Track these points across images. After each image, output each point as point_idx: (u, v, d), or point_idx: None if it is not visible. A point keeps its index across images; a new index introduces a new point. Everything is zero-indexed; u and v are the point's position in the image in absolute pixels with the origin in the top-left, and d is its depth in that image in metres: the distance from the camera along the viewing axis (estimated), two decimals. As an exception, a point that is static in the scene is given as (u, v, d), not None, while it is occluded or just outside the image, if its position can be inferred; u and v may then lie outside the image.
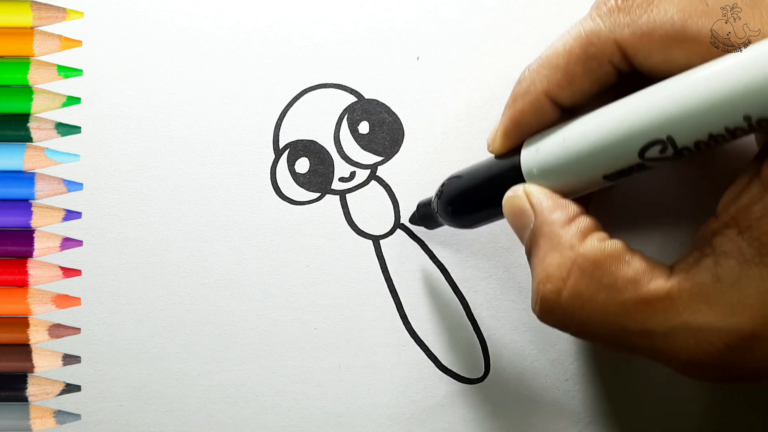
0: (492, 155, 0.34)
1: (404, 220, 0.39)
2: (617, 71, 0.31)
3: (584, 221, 0.30)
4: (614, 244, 0.29)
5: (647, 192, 0.38)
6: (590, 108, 0.31)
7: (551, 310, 0.30)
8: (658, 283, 0.28)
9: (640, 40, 0.30)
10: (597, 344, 0.37)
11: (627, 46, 0.30)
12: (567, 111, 0.32)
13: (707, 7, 0.29)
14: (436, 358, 0.39)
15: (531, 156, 0.32)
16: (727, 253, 0.28)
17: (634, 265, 0.29)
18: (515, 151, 0.33)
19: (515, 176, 0.32)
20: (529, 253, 0.31)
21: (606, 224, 0.31)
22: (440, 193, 0.35)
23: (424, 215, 0.38)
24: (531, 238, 0.31)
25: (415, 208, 0.39)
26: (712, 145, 0.27)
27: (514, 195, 0.32)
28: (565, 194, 0.31)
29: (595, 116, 0.30)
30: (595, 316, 0.29)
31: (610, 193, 0.37)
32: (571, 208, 0.30)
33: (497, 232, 0.39)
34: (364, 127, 0.40)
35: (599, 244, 0.29)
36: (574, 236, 0.30)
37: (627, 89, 0.30)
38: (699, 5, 0.29)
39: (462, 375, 0.39)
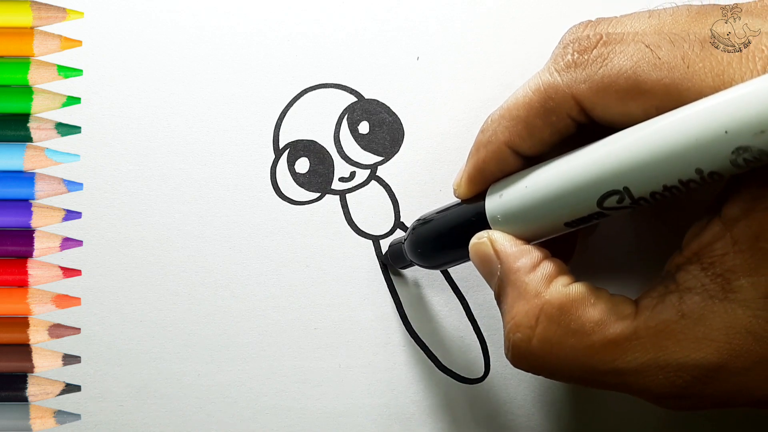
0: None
1: (404, 219, 0.39)
2: (576, 123, 0.31)
3: (548, 267, 0.31)
4: (578, 288, 0.30)
5: (616, 225, 0.39)
6: (552, 155, 0.31)
7: (523, 357, 0.31)
8: (625, 323, 0.29)
9: (597, 95, 0.30)
10: (571, 384, 0.38)
11: (584, 100, 0.30)
12: (529, 159, 0.33)
13: (659, 59, 0.29)
14: (436, 358, 0.39)
15: (495, 203, 0.32)
16: (691, 289, 0.28)
17: (599, 307, 0.30)
18: (480, 196, 0.33)
19: (480, 221, 0.33)
20: (498, 300, 0.32)
21: (576, 257, 0.32)
22: (409, 236, 0.36)
23: (395, 255, 0.38)
24: (498, 286, 0.32)
25: (387, 248, 0.39)
26: (668, 196, 0.28)
27: (479, 242, 0.32)
28: (529, 239, 0.32)
29: (555, 166, 0.31)
30: (566, 360, 0.30)
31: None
32: (535, 254, 0.31)
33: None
34: (364, 127, 0.40)
35: (564, 289, 0.30)
36: (539, 283, 0.30)
37: (588, 136, 0.30)
38: (652, 58, 0.29)
39: (462, 375, 0.39)
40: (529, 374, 0.39)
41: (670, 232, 0.33)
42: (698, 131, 0.26)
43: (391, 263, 0.39)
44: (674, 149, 0.27)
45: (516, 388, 0.39)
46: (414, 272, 0.39)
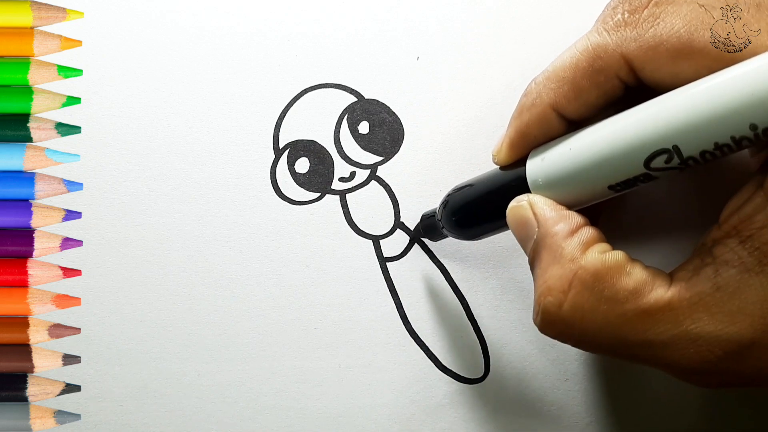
0: (497, 167, 0.34)
1: (404, 219, 0.39)
2: (624, 84, 0.31)
3: (586, 233, 0.30)
4: (615, 256, 0.30)
5: (652, 200, 0.38)
6: (597, 120, 0.31)
7: (552, 323, 0.30)
8: (659, 293, 0.29)
9: (647, 54, 0.30)
10: (597, 354, 0.38)
11: (634, 60, 0.30)
12: (573, 123, 0.32)
13: (713, 19, 0.29)
14: (436, 358, 0.39)
15: (536, 166, 0.32)
16: (727, 262, 0.28)
17: (634, 276, 0.29)
18: (520, 162, 0.33)
19: (520, 187, 0.32)
20: (532, 264, 0.31)
21: (612, 231, 0.31)
22: (445, 204, 0.35)
23: (428, 227, 0.38)
24: (534, 249, 0.31)
25: (419, 219, 0.39)
26: (718, 155, 0.27)
27: (518, 205, 0.32)
28: (569, 205, 0.31)
29: (601, 126, 0.30)
30: (596, 328, 0.29)
31: (619, 203, 0.37)
32: (575, 219, 0.31)
33: (497, 232, 0.39)
34: (364, 127, 0.40)
35: (600, 256, 0.30)
36: (575, 248, 0.30)
37: (634, 102, 0.30)
38: (705, 18, 0.29)
39: (462, 375, 0.39)
40: (529, 374, 0.39)
41: (708, 206, 0.32)
42: (755, 87, 0.26)
43: (424, 235, 0.38)
44: (729, 104, 0.26)
45: (516, 388, 0.39)
46: (415, 270, 0.39)
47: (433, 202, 0.39)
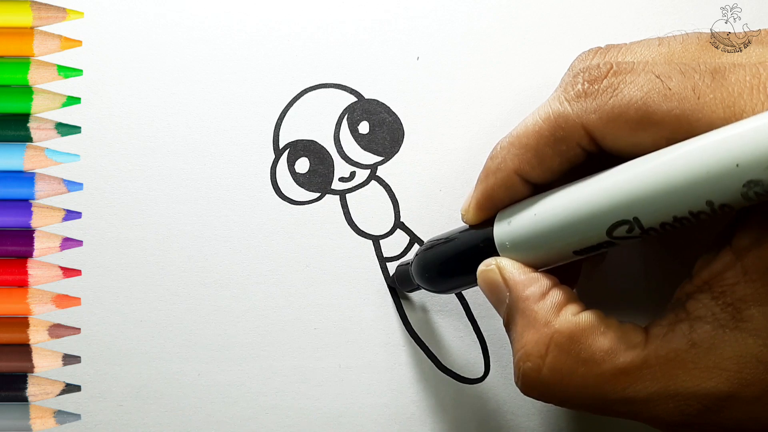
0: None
1: (404, 219, 0.39)
2: (586, 152, 0.31)
3: (557, 295, 0.31)
4: (588, 317, 0.30)
5: (628, 253, 0.39)
6: (561, 183, 0.31)
7: (533, 386, 0.31)
8: (635, 352, 0.29)
9: (607, 125, 0.30)
10: (581, 412, 0.38)
11: (594, 130, 0.30)
12: (538, 186, 0.33)
13: (670, 90, 0.29)
14: (436, 358, 0.39)
15: (503, 230, 0.32)
16: (701, 318, 0.28)
17: (609, 336, 0.30)
18: (488, 221, 0.33)
19: (488, 247, 0.33)
20: (507, 327, 0.32)
21: (588, 282, 0.32)
22: (416, 261, 0.36)
23: (402, 278, 0.38)
24: (508, 314, 0.32)
25: (394, 270, 0.39)
26: (678, 226, 0.28)
27: (488, 269, 0.32)
28: (538, 266, 0.32)
29: (564, 194, 0.31)
30: (576, 389, 0.30)
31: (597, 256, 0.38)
32: (544, 282, 0.31)
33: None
34: (364, 127, 0.40)
35: (573, 318, 0.30)
36: (548, 311, 0.30)
37: (597, 165, 0.30)
38: (662, 89, 0.29)
39: (462, 375, 0.39)
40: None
41: (679, 260, 0.32)
42: (709, 163, 0.26)
43: (399, 287, 0.39)
44: (685, 181, 0.27)
45: (516, 388, 0.39)
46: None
47: (433, 202, 0.39)
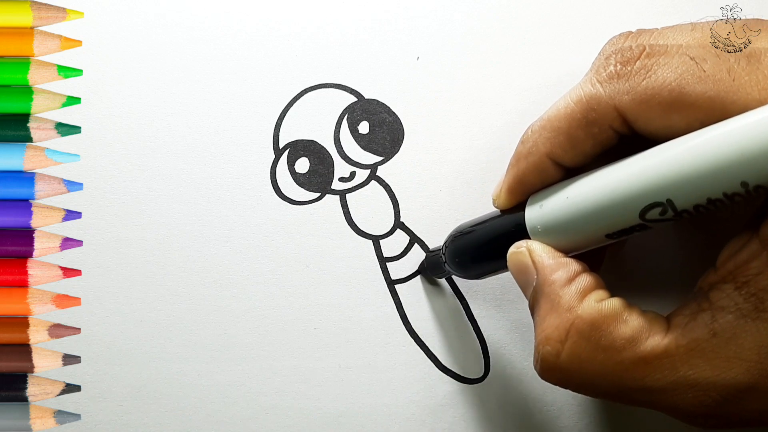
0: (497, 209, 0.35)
1: (404, 219, 0.39)
2: (618, 134, 0.31)
3: (584, 280, 0.31)
4: (612, 304, 0.30)
5: (653, 241, 0.39)
6: (592, 166, 0.31)
7: (551, 371, 0.31)
8: (656, 341, 0.29)
9: (640, 106, 0.30)
10: (598, 399, 0.38)
11: (627, 112, 0.30)
12: (570, 170, 0.32)
13: (704, 72, 0.29)
14: (436, 358, 0.39)
15: (535, 213, 0.32)
16: (724, 308, 0.28)
17: (631, 324, 0.30)
18: (519, 206, 0.33)
19: (520, 232, 0.33)
20: (532, 310, 0.32)
21: (613, 272, 0.32)
22: (448, 245, 0.36)
23: (432, 264, 0.38)
24: (533, 297, 0.32)
25: (423, 257, 0.39)
26: (712, 209, 0.28)
27: (517, 251, 0.32)
28: (568, 251, 0.32)
29: (597, 177, 0.30)
30: (594, 376, 0.30)
31: (621, 244, 0.37)
32: (572, 266, 0.31)
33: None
34: (364, 127, 0.40)
35: (597, 305, 0.30)
36: (573, 297, 0.30)
37: (628, 149, 0.30)
38: (696, 71, 0.29)
39: (462, 375, 0.39)
40: (529, 374, 0.39)
41: (704, 248, 0.33)
42: (744, 144, 0.26)
43: (428, 273, 0.39)
44: (719, 162, 0.27)
45: (516, 388, 0.39)
46: (415, 270, 0.39)
47: (433, 202, 0.39)
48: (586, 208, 0.30)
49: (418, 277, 0.39)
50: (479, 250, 0.35)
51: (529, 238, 0.32)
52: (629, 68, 0.30)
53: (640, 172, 0.29)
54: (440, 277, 0.39)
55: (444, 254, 0.36)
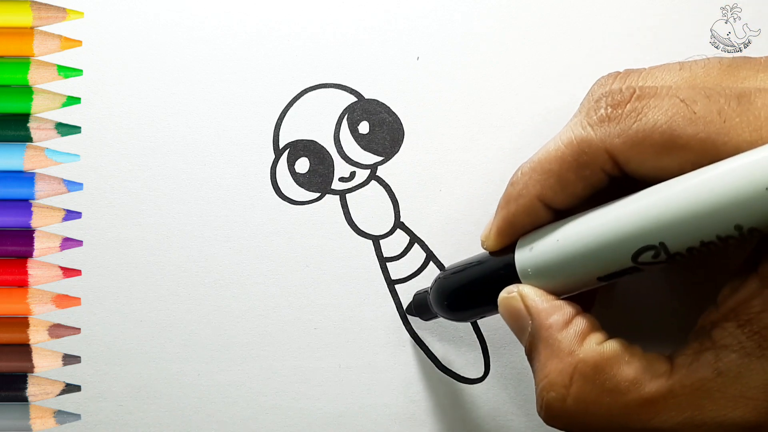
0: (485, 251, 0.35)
1: (404, 219, 0.39)
2: (609, 176, 0.31)
3: (581, 323, 0.31)
4: (612, 346, 0.30)
5: (647, 281, 0.38)
6: (582, 208, 0.31)
7: (557, 416, 0.31)
8: (660, 382, 0.29)
9: (632, 149, 0.30)
10: None
11: (618, 155, 0.30)
12: (560, 212, 0.32)
13: (695, 114, 0.29)
14: (436, 358, 0.39)
15: (525, 256, 0.32)
16: (727, 346, 0.28)
17: (634, 365, 0.29)
18: (509, 248, 0.33)
19: (510, 274, 0.32)
20: (530, 356, 0.32)
21: (607, 312, 0.32)
22: (434, 288, 0.36)
23: (419, 306, 0.38)
24: (530, 342, 0.31)
25: (411, 298, 0.39)
26: (705, 251, 0.27)
27: (509, 296, 0.32)
28: (560, 293, 0.31)
29: (588, 219, 0.30)
30: (601, 420, 0.30)
31: (614, 284, 0.37)
32: (567, 310, 0.31)
33: (497, 232, 0.39)
34: (364, 127, 0.40)
35: (598, 347, 0.30)
36: (572, 341, 0.30)
37: (619, 190, 0.30)
38: (687, 113, 0.29)
39: (462, 375, 0.39)
40: (529, 374, 0.39)
41: (703, 286, 0.32)
42: (738, 187, 0.26)
43: (415, 314, 0.38)
44: (713, 204, 0.26)
45: (516, 388, 0.39)
46: (414, 270, 0.39)
47: (432, 202, 0.39)
48: (578, 251, 0.30)
49: (418, 277, 0.39)
50: (468, 293, 0.34)
51: (519, 281, 0.32)
52: (620, 111, 0.30)
53: (632, 214, 0.28)
54: (427, 320, 0.38)
55: (431, 296, 0.36)
